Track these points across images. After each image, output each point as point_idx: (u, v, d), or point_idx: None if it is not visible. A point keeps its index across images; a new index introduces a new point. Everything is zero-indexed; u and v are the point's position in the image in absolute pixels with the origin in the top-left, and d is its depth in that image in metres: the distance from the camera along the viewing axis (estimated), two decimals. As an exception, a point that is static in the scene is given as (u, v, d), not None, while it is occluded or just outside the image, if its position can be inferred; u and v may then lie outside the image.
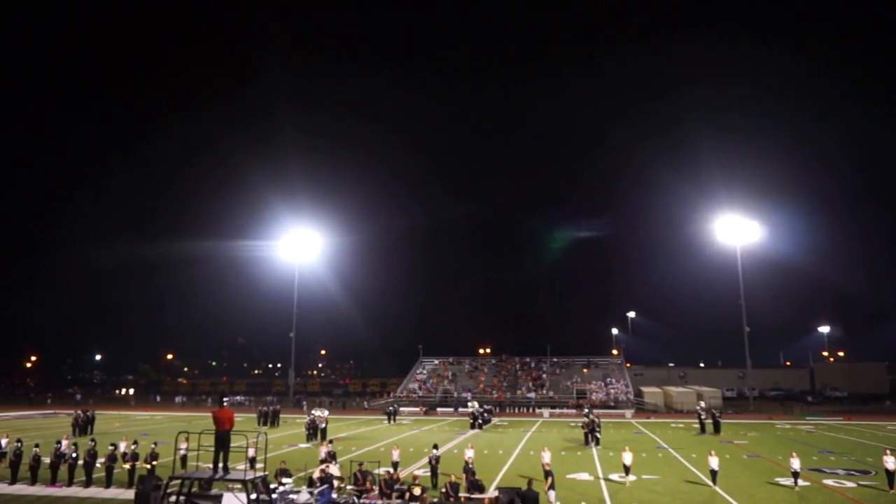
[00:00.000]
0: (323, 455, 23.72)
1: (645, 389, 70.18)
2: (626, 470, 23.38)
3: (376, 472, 20.99)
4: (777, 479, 23.25)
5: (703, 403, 44.88)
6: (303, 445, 34.16)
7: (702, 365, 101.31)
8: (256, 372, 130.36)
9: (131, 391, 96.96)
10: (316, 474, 19.16)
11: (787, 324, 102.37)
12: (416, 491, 17.35)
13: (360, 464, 20.22)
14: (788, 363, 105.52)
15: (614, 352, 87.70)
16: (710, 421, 41.44)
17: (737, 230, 61.98)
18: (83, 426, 40.28)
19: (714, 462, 22.51)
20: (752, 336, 63.03)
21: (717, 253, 66.78)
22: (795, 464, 22.12)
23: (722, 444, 34.31)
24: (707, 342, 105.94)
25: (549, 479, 18.72)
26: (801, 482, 22.14)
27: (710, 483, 22.32)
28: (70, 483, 21.87)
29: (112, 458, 22.37)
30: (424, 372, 76.84)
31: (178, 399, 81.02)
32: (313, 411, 39.19)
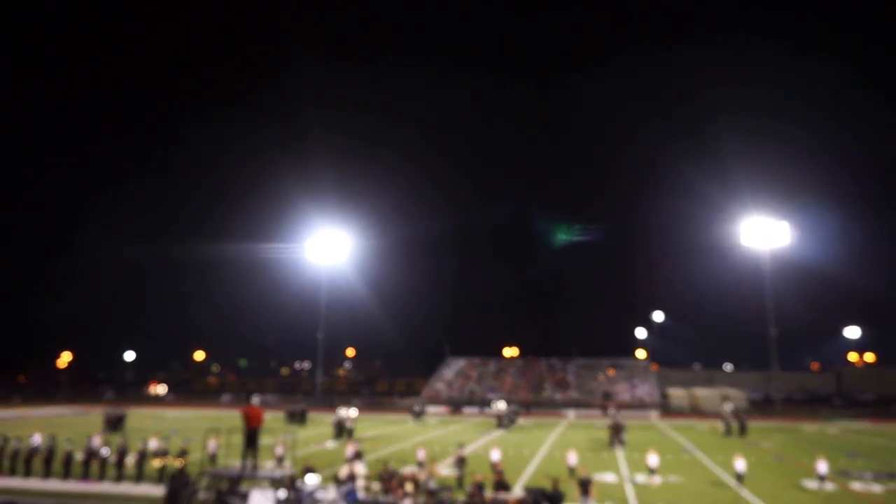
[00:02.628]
0: (350, 454, 24.03)
1: (671, 391, 69.45)
2: (652, 471, 23.27)
3: (402, 471, 21.23)
4: (803, 482, 22.92)
5: (729, 406, 44.31)
6: (330, 444, 34.60)
7: (728, 367, 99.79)
8: (284, 371, 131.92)
9: (161, 389, 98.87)
10: (342, 473, 19.47)
11: (815, 326, 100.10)
12: (409, 488, 17.64)
13: (386, 463, 20.48)
14: (816, 366, 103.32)
15: (640, 353, 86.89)
16: (736, 423, 40.91)
17: (764, 232, 60.91)
18: (114, 423, 41.26)
19: (740, 464, 22.30)
20: (780, 338, 61.95)
21: (744, 254, 65.68)
22: (822, 467, 21.80)
23: (748, 446, 33.85)
24: (734, 344, 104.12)
25: (589, 487, 18.78)
26: (827, 485, 21.81)
27: (735, 485, 22.12)
28: (101, 478, 22.45)
29: (143, 455, 22.94)
30: (451, 372, 77.05)
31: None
32: (340, 411, 39.66)
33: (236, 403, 74.16)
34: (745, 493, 21.11)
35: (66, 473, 22.87)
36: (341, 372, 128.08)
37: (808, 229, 72.54)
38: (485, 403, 62.93)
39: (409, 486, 17.55)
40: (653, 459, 23.55)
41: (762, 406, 67.34)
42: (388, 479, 19.15)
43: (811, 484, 22.45)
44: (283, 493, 15.16)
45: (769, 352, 62.07)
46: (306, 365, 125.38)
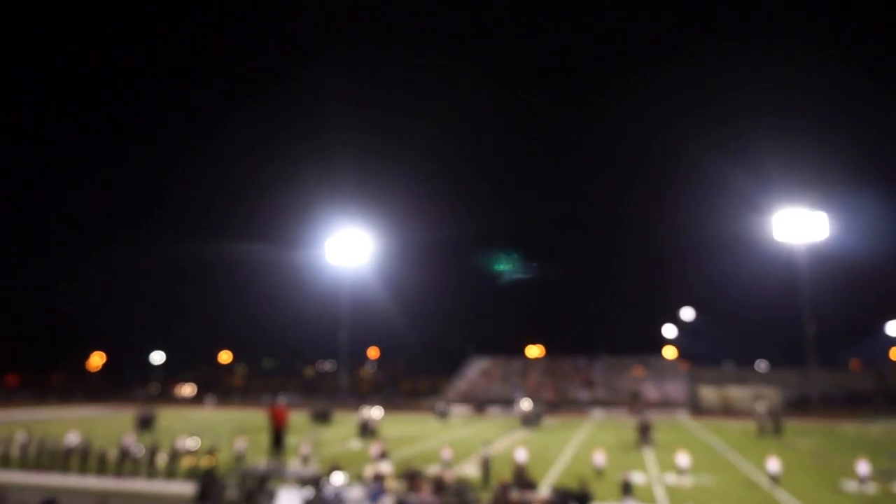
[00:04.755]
0: (375, 453, 24.03)
1: (701, 390, 68.29)
2: (682, 472, 22.82)
3: (427, 470, 21.12)
4: (842, 484, 22.23)
5: (762, 405, 43.36)
6: (354, 444, 34.67)
7: (762, 365, 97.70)
8: (308, 372, 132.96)
9: (188, 390, 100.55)
10: (367, 472, 19.45)
11: (855, 322, 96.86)
12: (391, 485, 17.80)
13: (409, 463, 20.39)
14: (856, 364, 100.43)
15: (668, 351, 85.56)
16: (770, 423, 39.98)
17: (800, 224, 59.32)
18: (145, 423, 41.96)
19: (774, 465, 21.72)
20: (817, 335, 60.12)
21: (778, 248, 64.01)
22: (862, 468, 21.12)
23: (783, 446, 33.03)
24: (768, 342, 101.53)
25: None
26: (868, 487, 21.12)
27: (770, 486, 21.55)
28: (134, 476, 22.92)
29: (173, 453, 23.28)
30: (474, 372, 76.85)
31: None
32: (364, 411, 39.75)
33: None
34: (780, 494, 20.56)
35: (101, 471, 23.42)
36: (364, 372, 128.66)
37: (848, 220, 69.84)
38: (509, 403, 62.61)
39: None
40: (683, 459, 23.10)
41: (798, 405, 65.68)
42: (413, 479, 19.07)
43: (851, 485, 21.76)
44: (309, 492, 15.16)
45: (806, 349, 60.49)
46: (329, 365, 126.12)
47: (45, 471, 23.99)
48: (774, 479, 21.63)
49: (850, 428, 45.39)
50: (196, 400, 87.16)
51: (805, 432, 41.54)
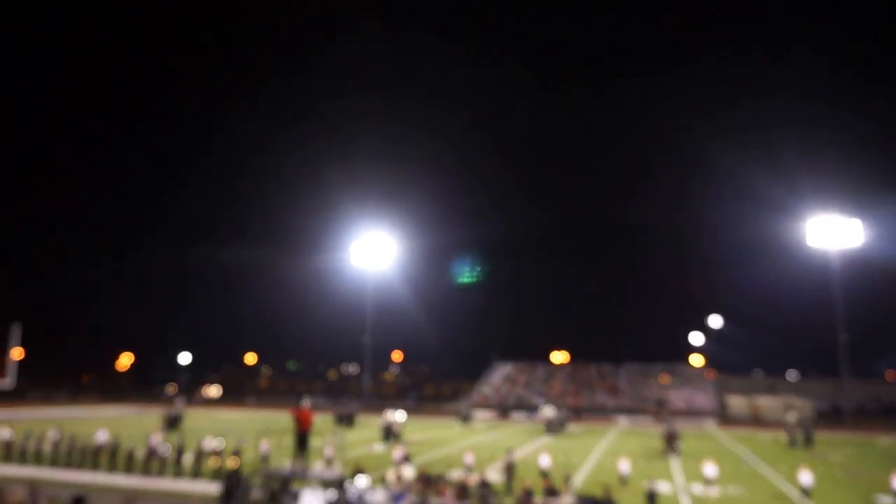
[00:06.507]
0: (398, 457, 24.04)
1: (729, 399, 67.00)
2: (709, 482, 22.39)
3: (450, 475, 21.03)
4: (877, 498, 21.58)
5: (793, 415, 42.35)
6: (378, 447, 34.74)
7: (792, 375, 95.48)
8: (332, 375, 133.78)
9: (214, 391, 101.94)
10: (391, 475, 19.46)
11: (891, 331, 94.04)
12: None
13: (429, 467, 20.33)
14: (892, 375, 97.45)
15: (695, 359, 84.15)
16: (801, 434, 39.02)
17: (833, 230, 57.88)
18: (172, 423, 42.62)
19: (805, 477, 21.17)
20: (851, 345, 58.52)
21: (811, 255, 62.50)
22: (899, 482, 20.44)
23: (814, 458, 32.20)
24: (799, 351, 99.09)
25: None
26: (905, 502, 20.45)
27: (800, 499, 21.01)
28: (161, 475, 23.28)
29: (199, 454, 23.60)
30: (498, 377, 76.53)
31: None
32: (387, 414, 39.80)
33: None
34: (811, 507, 20.04)
35: (129, 469, 23.84)
36: (388, 376, 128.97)
37: (882, 227, 67.82)
38: (533, 409, 62.17)
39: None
40: (710, 469, 22.66)
41: (831, 417, 63.97)
42: (437, 483, 19.00)
43: (886, 500, 21.11)
44: (332, 494, 15.21)
45: (839, 359, 58.91)
46: (353, 369, 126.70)
47: (75, 468, 24.52)
48: (805, 492, 21.08)
49: (884, 441, 44.09)
50: (219, 401, 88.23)
51: (837, 444, 40.46)
